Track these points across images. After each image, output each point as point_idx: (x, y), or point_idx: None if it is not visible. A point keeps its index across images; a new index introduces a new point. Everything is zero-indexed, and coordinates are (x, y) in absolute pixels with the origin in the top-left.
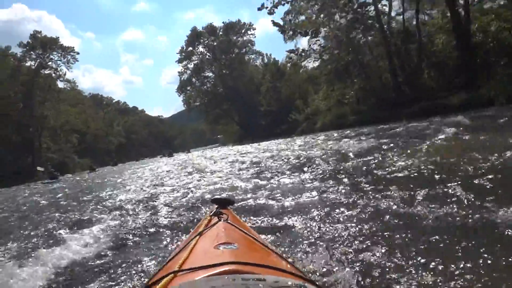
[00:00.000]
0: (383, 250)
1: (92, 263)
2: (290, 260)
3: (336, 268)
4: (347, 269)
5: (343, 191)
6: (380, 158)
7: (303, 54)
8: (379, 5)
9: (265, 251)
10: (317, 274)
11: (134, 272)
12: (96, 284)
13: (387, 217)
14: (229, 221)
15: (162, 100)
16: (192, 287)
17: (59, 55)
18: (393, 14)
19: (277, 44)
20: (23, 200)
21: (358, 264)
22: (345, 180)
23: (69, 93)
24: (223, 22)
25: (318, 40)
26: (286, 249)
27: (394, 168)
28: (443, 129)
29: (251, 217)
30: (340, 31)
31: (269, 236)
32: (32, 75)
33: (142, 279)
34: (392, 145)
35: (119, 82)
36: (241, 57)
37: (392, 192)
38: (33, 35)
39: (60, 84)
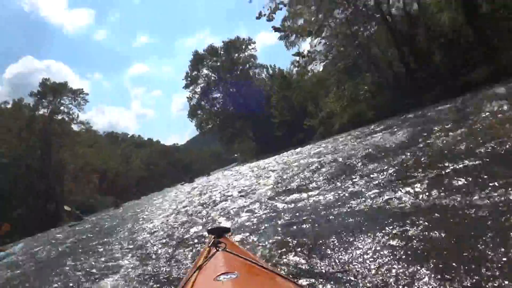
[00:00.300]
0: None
1: None
2: (297, 282)
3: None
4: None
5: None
6: (428, 147)
7: (308, 56)
8: None
9: (267, 275)
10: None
11: None
12: None
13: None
14: (227, 249)
15: (175, 128)
16: None
17: (70, 98)
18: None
19: (279, 55)
20: (46, 247)
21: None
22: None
23: (85, 135)
24: (222, 42)
25: (322, 39)
26: (292, 271)
27: (445, 157)
28: (483, 104)
29: (255, 243)
30: (342, 27)
31: (272, 260)
32: (47, 122)
33: None
34: (433, 129)
35: (132, 117)
36: (246, 73)
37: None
38: (42, 83)
39: (75, 127)
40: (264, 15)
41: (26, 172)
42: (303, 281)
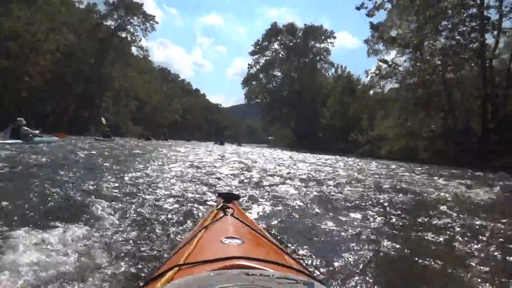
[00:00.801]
0: (392, 250)
1: (97, 249)
2: (295, 256)
3: (342, 266)
4: (353, 268)
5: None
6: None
7: (390, 66)
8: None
9: (271, 247)
10: (322, 271)
11: (136, 263)
12: (97, 274)
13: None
14: (235, 215)
15: (225, 89)
16: (196, 281)
17: (140, 20)
18: (497, 50)
19: (351, 62)
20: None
21: (366, 264)
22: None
23: (140, 61)
24: (304, 24)
25: (409, 59)
26: (292, 245)
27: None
28: None
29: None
30: (436, 55)
31: (275, 232)
32: (110, 34)
33: (146, 271)
34: (492, 198)
35: (189, 63)
36: (313, 64)
37: None
38: None
39: (134, 50)
40: (366, 7)
41: (74, 73)
42: (305, 261)
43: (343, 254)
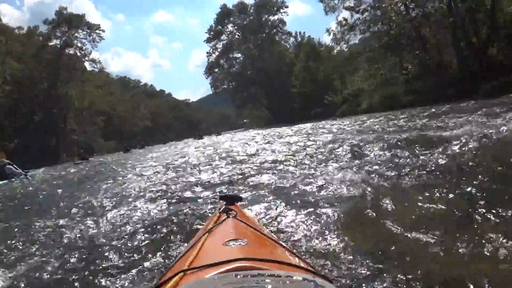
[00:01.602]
0: (399, 248)
1: (99, 258)
2: (300, 255)
3: (348, 263)
4: (359, 265)
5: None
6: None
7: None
8: None
9: (275, 247)
10: (328, 269)
11: (142, 270)
12: (102, 283)
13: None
14: (238, 217)
15: (189, 84)
16: (202, 285)
17: (85, 33)
18: None
19: (306, 29)
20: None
21: (371, 261)
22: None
23: (96, 75)
24: (254, 0)
25: (369, 8)
26: (297, 244)
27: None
28: None
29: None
30: None
31: (279, 231)
32: (57, 53)
33: (151, 277)
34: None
35: (147, 66)
36: (271, 38)
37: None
38: (58, 11)
39: (87, 66)
40: None
41: (29, 102)
42: (311, 259)
43: (349, 250)
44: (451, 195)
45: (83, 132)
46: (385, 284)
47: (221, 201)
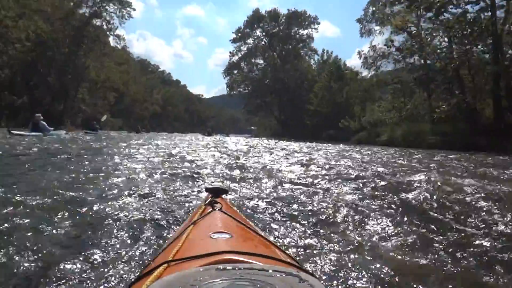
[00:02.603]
0: (383, 242)
1: (80, 247)
2: (284, 249)
3: (331, 258)
4: (342, 259)
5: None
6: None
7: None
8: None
9: (260, 240)
10: (311, 263)
11: (124, 261)
12: (85, 273)
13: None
14: (223, 210)
15: (206, 80)
16: (186, 277)
17: (115, 7)
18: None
19: (334, 50)
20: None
21: (354, 255)
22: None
23: (118, 52)
24: (288, 10)
25: (410, 37)
26: (281, 239)
27: None
28: None
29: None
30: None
31: (263, 226)
32: (84, 22)
33: (134, 268)
34: None
35: (169, 54)
36: (297, 51)
37: None
38: None
39: (111, 41)
40: None
41: (47, 63)
42: (295, 253)
43: (332, 245)
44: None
45: (93, 104)
46: (366, 280)
47: (206, 193)
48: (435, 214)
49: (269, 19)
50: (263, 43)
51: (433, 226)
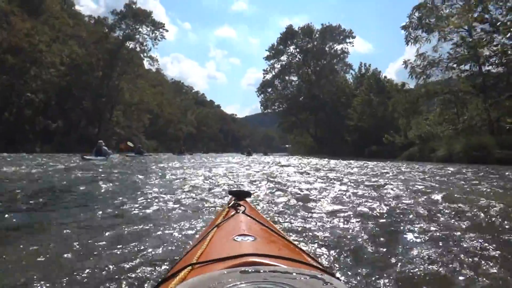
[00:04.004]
0: (408, 250)
1: (110, 249)
2: (308, 251)
3: (356, 262)
4: (366, 264)
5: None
6: None
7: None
8: None
9: (284, 243)
10: (336, 266)
11: (150, 262)
12: (111, 274)
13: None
14: (246, 212)
15: (240, 99)
16: (210, 280)
17: (148, 29)
18: None
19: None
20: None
21: (378, 261)
22: None
23: (152, 74)
24: (321, 24)
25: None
26: (305, 241)
27: None
28: None
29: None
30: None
31: (287, 228)
32: (118, 45)
33: (160, 270)
34: None
35: (203, 76)
36: (331, 66)
37: None
38: (128, 4)
39: (145, 64)
40: None
41: (82, 87)
42: (319, 256)
43: (359, 249)
44: None
45: (127, 127)
46: (390, 284)
47: (230, 196)
48: None
49: (303, 35)
50: (297, 59)
51: None
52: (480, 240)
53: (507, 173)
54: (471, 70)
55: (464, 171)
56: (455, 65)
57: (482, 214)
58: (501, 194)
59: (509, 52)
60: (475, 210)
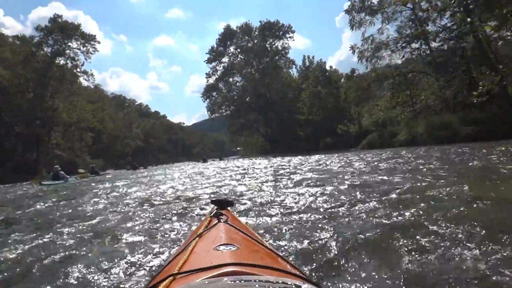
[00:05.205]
0: (391, 256)
1: (89, 262)
2: (291, 261)
3: (338, 271)
4: (349, 271)
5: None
6: None
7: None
8: None
9: (266, 252)
10: (318, 275)
11: (132, 273)
12: (92, 284)
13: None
14: (229, 222)
15: (185, 108)
16: None
17: (79, 43)
18: None
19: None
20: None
21: (362, 269)
22: None
23: (90, 91)
24: (260, 21)
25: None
26: (287, 250)
27: None
28: None
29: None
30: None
31: (270, 237)
32: (47, 62)
33: (141, 281)
34: None
35: (145, 87)
36: (274, 63)
37: None
38: (53, 18)
39: (82, 80)
40: None
41: (12, 111)
42: (301, 265)
43: (339, 257)
44: None
45: (69, 148)
46: None
47: (212, 205)
48: None
49: (242, 34)
50: (238, 59)
51: None
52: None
53: (484, 150)
54: (421, 48)
55: (436, 154)
56: (404, 45)
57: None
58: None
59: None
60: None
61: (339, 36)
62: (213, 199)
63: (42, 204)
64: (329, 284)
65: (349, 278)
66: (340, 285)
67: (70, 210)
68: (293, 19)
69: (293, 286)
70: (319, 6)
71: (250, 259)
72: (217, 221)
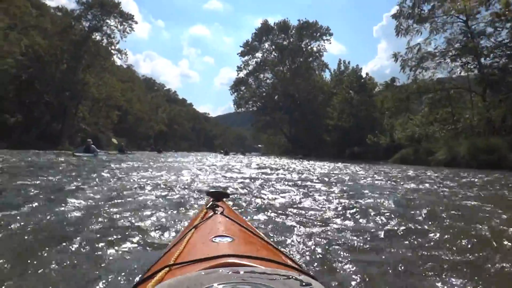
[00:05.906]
0: (384, 248)
1: (83, 251)
2: (286, 252)
3: (333, 262)
4: (344, 262)
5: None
6: None
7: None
8: None
9: (262, 244)
10: (313, 266)
11: (128, 264)
12: (88, 276)
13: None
14: (224, 213)
15: (212, 99)
16: (187, 280)
17: (116, 21)
18: None
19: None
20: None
21: (356, 258)
22: None
23: (122, 70)
24: (298, 20)
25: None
26: (283, 242)
27: None
28: None
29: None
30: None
31: (265, 229)
32: (84, 36)
33: (137, 272)
34: None
35: (176, 74)
36: (308, 64)
37: None
38: None
39: (116, 59)
40: None
41: (45, 80)
42: (296, 257)
43: (334, 249)
44: None
45: (94, 123)
46: (369, 284)
47: (208, 197)
48: None
49: (279, 31)
50: (272, 56)
51: None
52: None
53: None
54: (470, 63)
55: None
56: (453, 58)
57: None
58: None
59: None
60: None
61: (375, 46)
62: (209, 191)
63: (55, 176)
64: (325, 276)
65: (344, 272)
66: (336, 279)
67: (80, 184)
68: (330, 23)
69: (289, 277)
70: (357, 13)
71: (246, 251)
72: (213, 212)
